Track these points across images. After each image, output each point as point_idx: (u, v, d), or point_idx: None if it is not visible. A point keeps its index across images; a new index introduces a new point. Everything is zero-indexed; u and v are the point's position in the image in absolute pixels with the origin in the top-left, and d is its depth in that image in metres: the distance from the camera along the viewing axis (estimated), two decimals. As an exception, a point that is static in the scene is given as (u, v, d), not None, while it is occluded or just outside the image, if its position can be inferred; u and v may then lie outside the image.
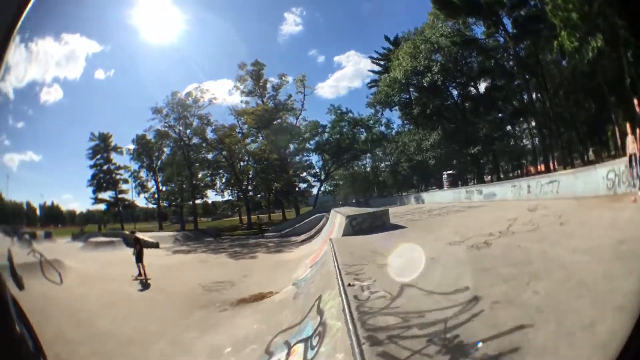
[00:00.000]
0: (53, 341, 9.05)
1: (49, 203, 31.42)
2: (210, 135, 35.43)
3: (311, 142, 39.10)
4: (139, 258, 15.76)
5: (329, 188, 41.83)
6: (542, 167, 28.73)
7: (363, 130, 38.70)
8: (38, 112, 30.54)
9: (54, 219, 31.37)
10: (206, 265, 19.18)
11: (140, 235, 20.51)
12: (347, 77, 47.15)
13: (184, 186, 36.08)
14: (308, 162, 39.73)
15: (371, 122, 38.21)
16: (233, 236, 31.46)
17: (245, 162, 37.68)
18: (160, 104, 32.51)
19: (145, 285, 15.01)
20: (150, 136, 33.81)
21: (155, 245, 24.54)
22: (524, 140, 32.49)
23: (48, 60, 30.92)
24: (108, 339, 9.73)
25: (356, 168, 41.58)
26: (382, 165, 41.30)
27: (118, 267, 17.93)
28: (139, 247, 16.14)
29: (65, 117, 32.66)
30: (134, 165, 34.10)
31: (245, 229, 35.39)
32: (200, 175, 36.90)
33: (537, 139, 30.48)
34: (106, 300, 12.94)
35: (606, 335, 3.63)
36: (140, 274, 15.51)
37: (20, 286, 12.47)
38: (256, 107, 35.69)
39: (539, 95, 29.25)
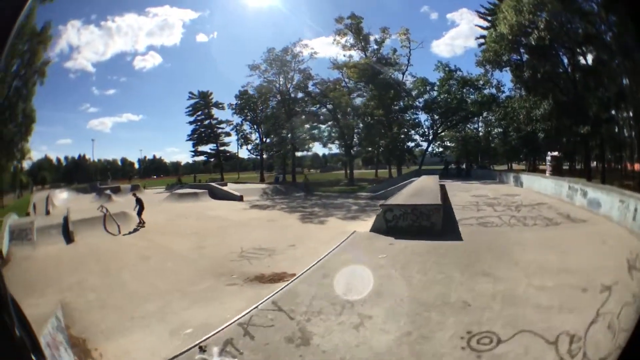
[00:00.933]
0: (73, 285, 10.37)
1: (149, 157, 36.02)
2: (312, 89, 35.29)
3: (419, 100, 36.62)
4: (140, 212, 18.43)
5: (438, 149, 38.54)
6: (637, 167, 23.34)
7: (473, 90, 34.88)
8: (134, 78, 34.30)
9: (155, 171, 35.46)
10: (269, 226, 18.48)
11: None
12: (462, 35, 44.78)
13: (287, 138, 36.53)
14: (417, 121, 37.22)
15: (480, 82, 34.08)
16: (324, 193, 30.67)
17: (351, 117, 36.31)
18: (257, 61, 33.51)
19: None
20: (251, 91, 35.05)
21: (239, 199, 25.00)
22: (624, 130, 25.10)
23: (136, 33, 34.00)
24: (116, 290, 10.25)
25: (468, 131, 37.47)
26: (494, 131, 36.49)
27: (182, 220, 18.80)
28: (139, 204, 18.74)
29: (167, 79, 36.27)
30: (236, 119, 36.03)
31: (345, 184, 34.57)
32: (303, 128, 36.97)
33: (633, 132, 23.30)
34: (145, 253, 13.46)
35: None
36: (139, 222, 17.99)
37: (69, 240, 14.49)
38: (359, 61, 34.20)
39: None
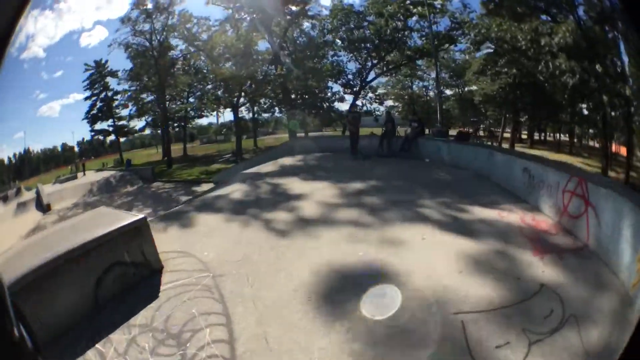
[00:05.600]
0: None
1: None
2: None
3: (339, 34, 27.35)
4: None
5: (371, 105, 28.67)
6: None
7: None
8: (81, 57, 34.63)
9: (94, 152, 35.44)
10: None
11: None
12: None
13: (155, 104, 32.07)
14: (335, 64, 27.89)
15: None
16: (170, 181, 27.02)
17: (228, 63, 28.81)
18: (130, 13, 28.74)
19: None
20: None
21: (44, 209, 23.75)
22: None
23: (84, 10, 33.06)
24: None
25: (416, 89, 29.00)
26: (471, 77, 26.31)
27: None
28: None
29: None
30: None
31: (225, 161, 28.83)
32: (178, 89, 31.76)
33: None
34: None
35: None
36: None
37: None
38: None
39: None
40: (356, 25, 26.14)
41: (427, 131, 21.49)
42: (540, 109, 23.19)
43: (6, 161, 32.15)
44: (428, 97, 29.00)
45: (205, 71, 29.31)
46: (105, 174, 29.34)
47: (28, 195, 26.01)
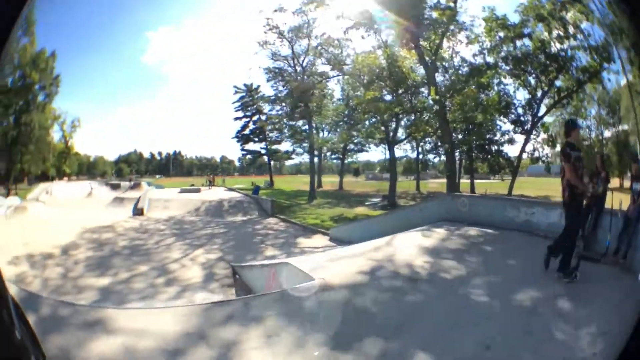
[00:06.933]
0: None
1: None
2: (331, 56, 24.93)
3: (501, 52, 20.95)
4: None
5: (542, 149, 21.71)
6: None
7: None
8: (235, 80, 33.05)
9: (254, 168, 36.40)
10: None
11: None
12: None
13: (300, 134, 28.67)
14: (503, 95, 21.40)
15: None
16: (287, 220, 21.03)
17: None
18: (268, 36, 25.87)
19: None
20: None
21: (138, 212, 21.80)
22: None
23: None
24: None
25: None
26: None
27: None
28: None
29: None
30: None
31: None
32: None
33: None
34: None
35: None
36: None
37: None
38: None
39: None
40: (516, 34, 19.35)
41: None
42: None
43: (147, 155, 35.67)
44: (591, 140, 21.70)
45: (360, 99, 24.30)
46: (227, 195, 26.22)
47: (140, 193, 25.15)
